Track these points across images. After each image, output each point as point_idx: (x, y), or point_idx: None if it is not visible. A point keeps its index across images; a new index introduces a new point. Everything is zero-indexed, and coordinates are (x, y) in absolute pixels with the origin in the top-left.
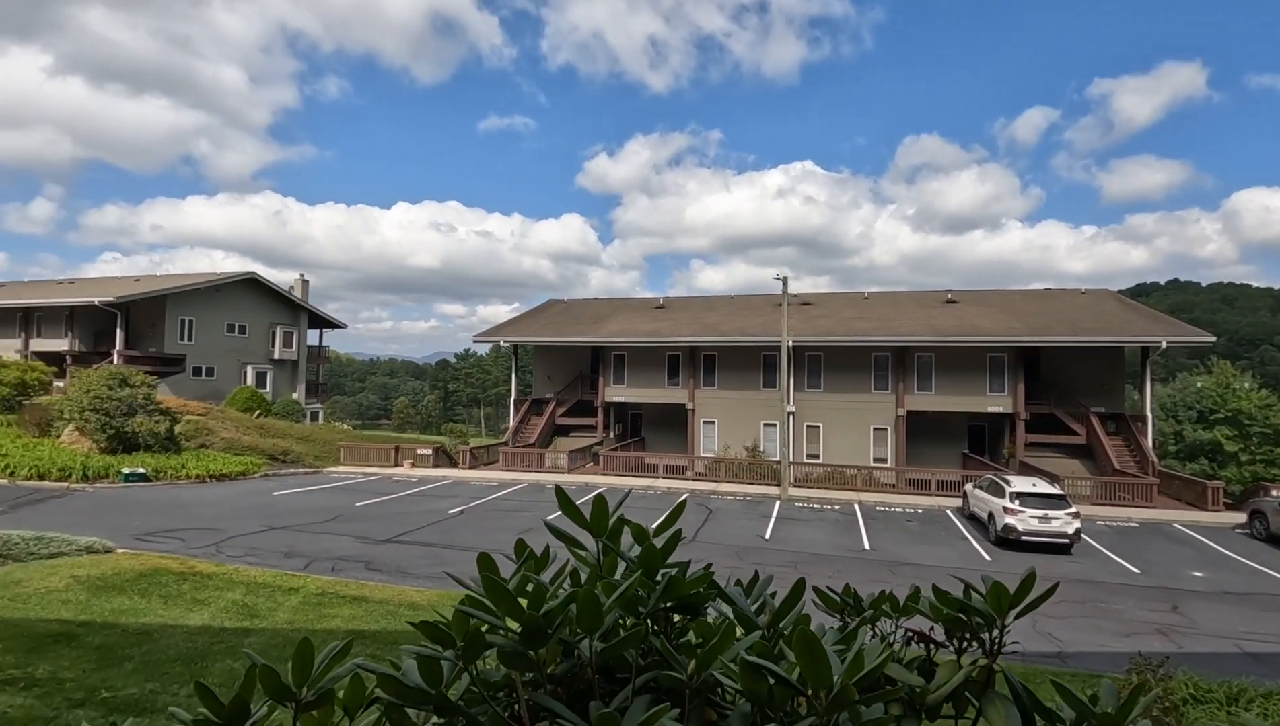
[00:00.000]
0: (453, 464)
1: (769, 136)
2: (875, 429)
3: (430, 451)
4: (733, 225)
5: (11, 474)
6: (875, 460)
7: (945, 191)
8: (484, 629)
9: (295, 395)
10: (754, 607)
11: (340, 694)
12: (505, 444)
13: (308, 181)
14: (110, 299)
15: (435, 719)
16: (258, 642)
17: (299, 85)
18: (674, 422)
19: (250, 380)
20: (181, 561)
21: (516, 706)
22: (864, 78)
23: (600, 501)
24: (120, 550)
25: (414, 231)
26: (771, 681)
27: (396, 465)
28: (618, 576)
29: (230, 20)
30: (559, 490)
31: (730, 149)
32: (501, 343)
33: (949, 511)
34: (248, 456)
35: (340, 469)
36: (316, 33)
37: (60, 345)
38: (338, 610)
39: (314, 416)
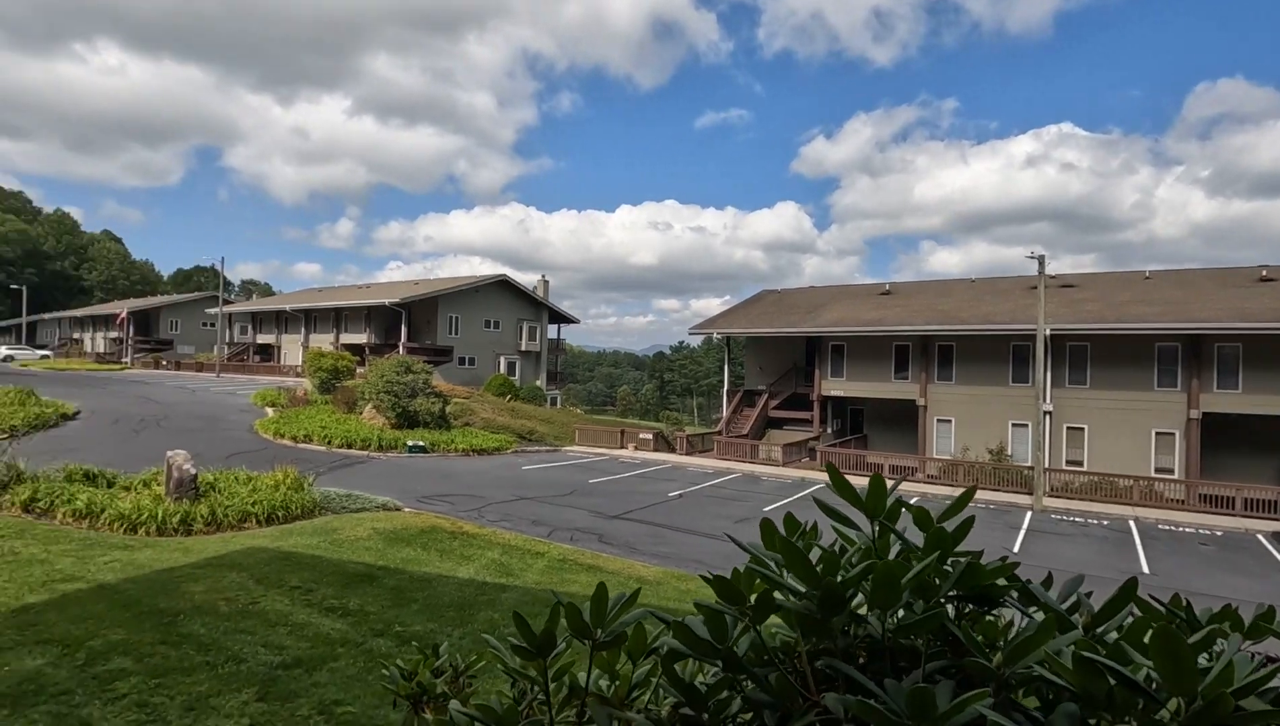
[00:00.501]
0: (670, 449)
1: (1015, 100)
2: (1158, 433)
3: (651, 436)
4: (970, 201)
5: (329, 442)
6: (1157, 470)
7: (1254, 146)
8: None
9: (538, 382)
10: (1064, 607)
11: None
12: (719, 433)
13: (545, 191)
14: (397, 300)
15: (701, 675)
16: (512, 598)
17: (538, 103)
18: (901, 420)
19: (503, 368)
20: (452, 522)
21: (791, 675)
22: (1138, 20)
23: (879, 480)
24: (406, 509)
25: (635, 231)
26: (1112, 682)
27: (622, 447)
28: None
29: (481, 51)
30: (831, 467)
31: (967, 117)
32: (714, 335)
33: (1260, 536)
34: (501, 435)
35: (575, 448)
36: (552, 53)
37: (360, 338)
38: (576, 576)
39: (553, 401)
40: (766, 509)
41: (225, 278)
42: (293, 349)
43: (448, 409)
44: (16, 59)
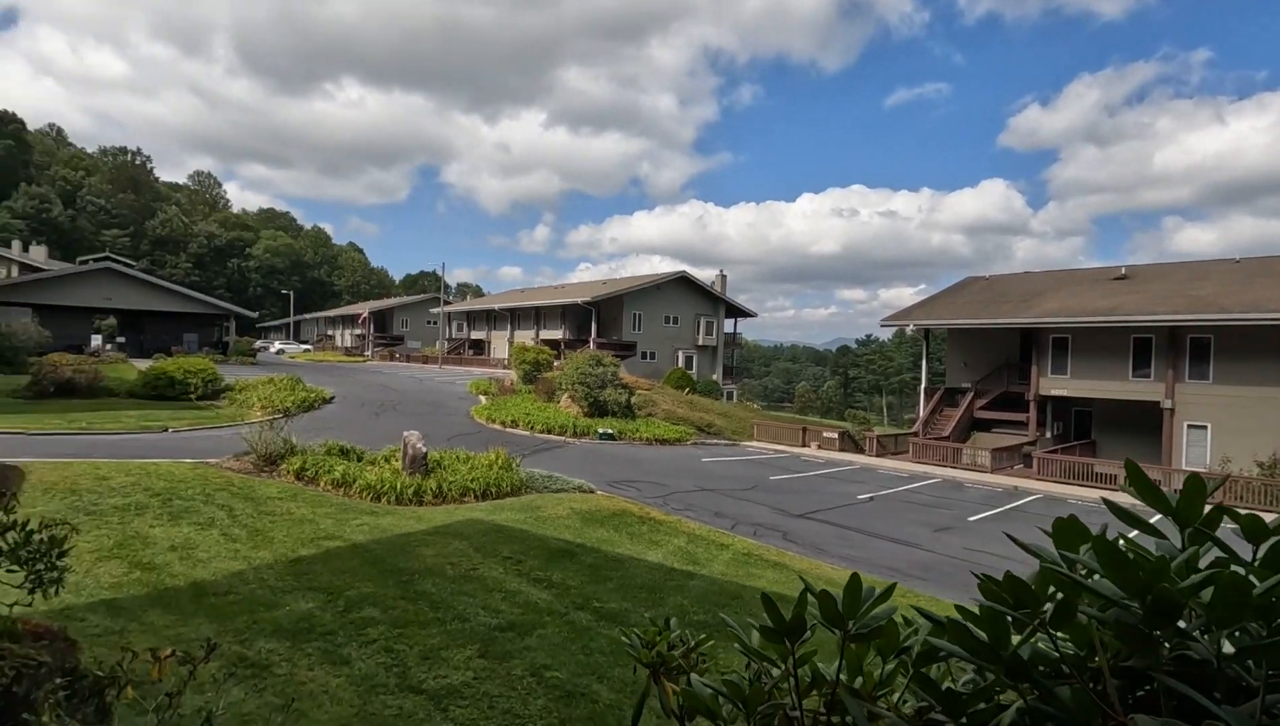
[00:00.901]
0: (858, 450)
1: None
2: None
3: (835, 435)
4: (1229, 167)
5: (531, 428)
6: None
7: None
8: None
9: (714, 376)
10: None
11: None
12: (914, 434)
13: (723, 186)
14: (587, 299)
15: (949, 681)
16: (699, 586)
17: (718, 99)
18: (1140, 424)
19: (681, 363)
20: (640, 507)
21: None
22: None
23: (1196, 481)
24: (599, 492)
25: (816, 220)
26: None
27: (804, 445)
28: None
29: (664, 54)
30: (1131, 465)
31: (1224, 69)
32: (909, 327)
33: None
34: (681, 426)
35: (753, 443)
36: (733, 47)
37: (557, 334)
38: (762, 571)
39: (729, 396)
40: (972, 518)
41: (445, 282)
42: (500, 343)
43: (633, 400)
44: (284, 102)
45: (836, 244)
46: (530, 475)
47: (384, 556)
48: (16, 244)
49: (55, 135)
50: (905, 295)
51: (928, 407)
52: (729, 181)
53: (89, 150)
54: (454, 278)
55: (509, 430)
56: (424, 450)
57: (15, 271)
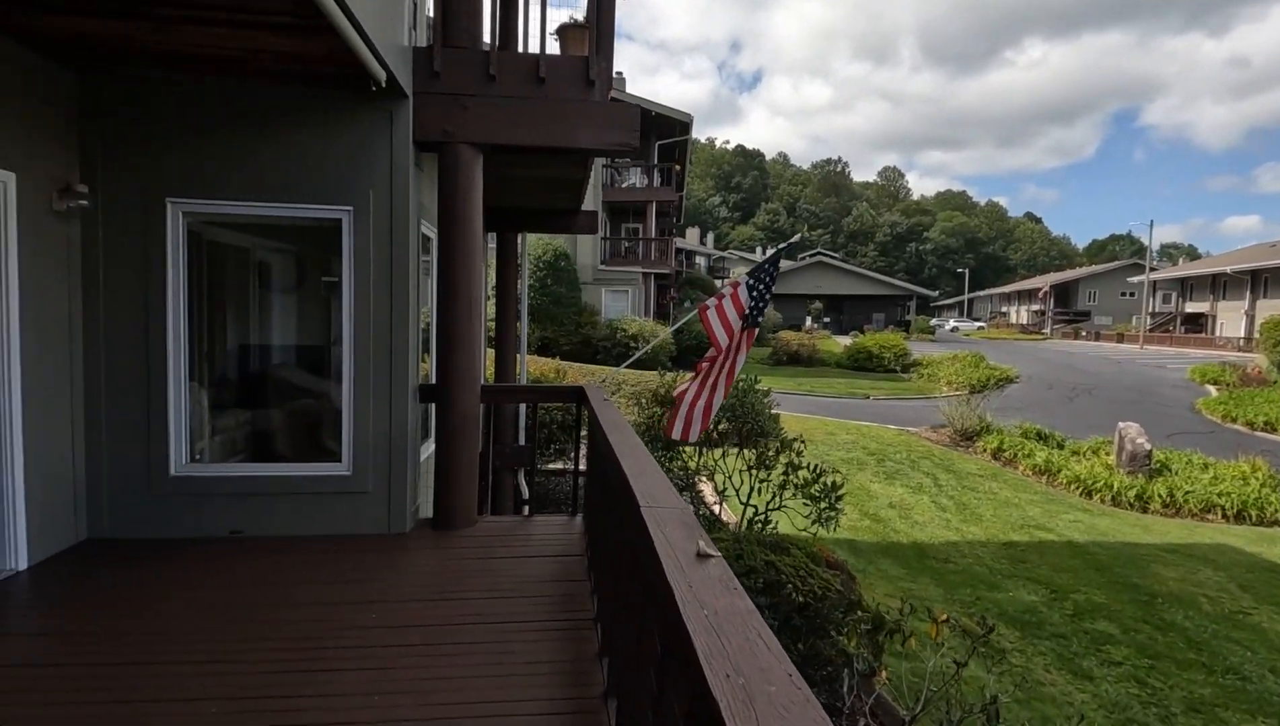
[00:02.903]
0: None
1: None
2: None
3: None
4: None
5: None
6: None
7: None
8: None
9: None
10: None
11: None
12: None
13: None
14: None
15: None
16: None
17: None
18: None
19: None
20: None
21: None
22: None
23: None
24: None
25: None
26: None
27: None
28: None
29: None
30: None
31: None
32: None
33: None
34: None
35: None
36: None
37: None
38: None
39: None
40: None
41: (1149, 247)
42: (1231, 317)
43: None
44: (961, 85)
45: None
46: None
47: (1109, 564)
48: (759, 249)
49: (782, 161)
50: None
51: None
52: None
53: (803, 167)
54: (1155, 238)
55: (1260, 434)
56: (1147, 448)
57: None
